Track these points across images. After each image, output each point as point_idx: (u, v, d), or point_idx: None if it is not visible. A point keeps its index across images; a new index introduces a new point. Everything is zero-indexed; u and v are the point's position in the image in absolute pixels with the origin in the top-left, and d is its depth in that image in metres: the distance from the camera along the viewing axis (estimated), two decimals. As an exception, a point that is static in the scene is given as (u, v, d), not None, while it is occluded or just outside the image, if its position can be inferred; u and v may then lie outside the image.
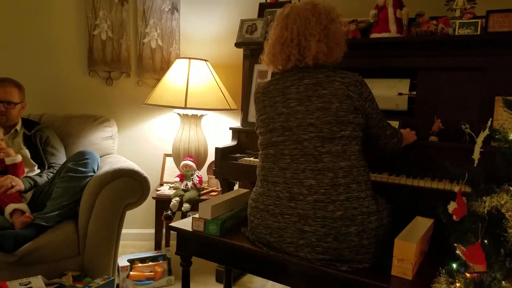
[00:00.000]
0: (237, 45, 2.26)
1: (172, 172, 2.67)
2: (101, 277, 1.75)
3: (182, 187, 2.38)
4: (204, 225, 1.55)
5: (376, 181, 1.60)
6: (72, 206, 1.89)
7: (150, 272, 2.16)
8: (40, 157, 2.08)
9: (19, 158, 1.94)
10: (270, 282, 2.15)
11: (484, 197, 1.05)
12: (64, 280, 1.68)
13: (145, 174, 1.94)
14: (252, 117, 2.16)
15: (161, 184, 2.65)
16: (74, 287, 1.67)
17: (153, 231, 2.51)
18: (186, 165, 2.42)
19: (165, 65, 2.74)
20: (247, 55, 2.25)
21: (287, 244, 1.34)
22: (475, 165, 1.15)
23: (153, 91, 2.50)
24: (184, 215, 2.28)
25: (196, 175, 2.43)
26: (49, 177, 2.00)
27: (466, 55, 1.69)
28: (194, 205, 2.28)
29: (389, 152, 1.55)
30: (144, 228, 2.84)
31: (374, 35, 1.89)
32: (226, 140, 2.31)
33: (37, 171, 2.06)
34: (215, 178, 2.18)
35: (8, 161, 1.91)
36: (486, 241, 1.01)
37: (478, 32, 1.65)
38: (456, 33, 1.69)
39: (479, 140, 1.17)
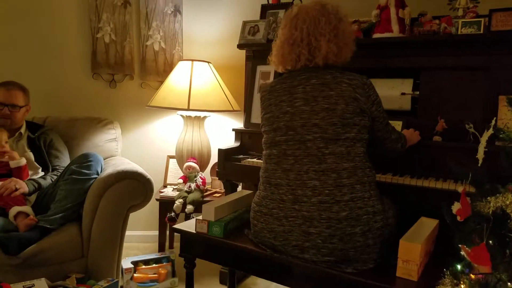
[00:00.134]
0: (240, 46, 2.26)
1: (175, 173, 2.68)
2: (105, 279, 1.75)
3: (186, 188, 2.38)
4: (208, 227, 1.54)
5: (380, 181, 1.59)
6: (76, 209, 1.89)
7: (154, 274, 2.16)
8: (44, 160, 2.09)
9: (23, 161, 1.95)
10: (274, 284, 2.14)
11: (488, 197, 1.04)
12: (68, 282, 1.68)
13: (149, 176, 1.94)
14: (255, 118, 2.16)
15: (165, 186, 2.66)
16: (78, 290, 1.68)
17: (156, 233, 2.51)
18: (189, 167, 2.42)
19: (168, 67, 2.75)
20: (249, 57, 2.25)
21: (292, 247, 1.34)
22: (479, 165, 1.14)
23: (156, 93, 2.51)
24: (187, 217, 2.28)
25: (200, 177, 2.43)
26: (53, 180, 2.01)
27: (469, 54, 1.68)
28: (198, 206, 2.28)
29: (392, 156, 1.55)
30: (147, 230, 2.84)
31: (376, 35, 1.88)
32: (229, 142, 2.31)
33: (41, 173, 2.06)
34: (218, 179, 2.18)
35: (12, 164, 1.92)
36: (491, 242, 1.00)
37: (481, 31, 1.64)
38: (459, 33, 1.68)
39: (483, 140, 1.16)
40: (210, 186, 2.58)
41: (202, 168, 2.53)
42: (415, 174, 1.64)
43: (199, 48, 2.79)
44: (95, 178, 1.94)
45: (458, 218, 1.10)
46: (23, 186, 1.88)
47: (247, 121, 2.20)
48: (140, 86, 2.78)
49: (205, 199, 2.36)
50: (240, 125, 2.58)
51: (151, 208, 2.42)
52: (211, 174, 2.61)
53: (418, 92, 1.79)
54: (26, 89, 2.12)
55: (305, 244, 1.31)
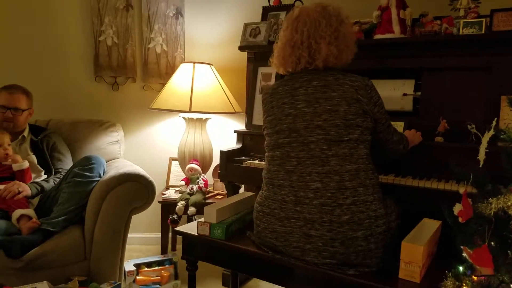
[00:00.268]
0: (241, 48, 2.26)
1: (177, 175, 2.68)
2: (108, 282, 1.76)
3: (188, 190, 2.39)
4: (210, 229, 1.54)
5: (382, 182, 1.58)
6: (79, 211, 1.90)
7: (157, 276, 2.16)
8: (47, 163, 2.10)
9: (26, 164, 1.96)
10: (276, 286, 2.13)
11: (490, 199, 1.03)
12: (70, 285, 1.68)
13: (151, 178, 1.95)
14: (257, 120, 2.16)
15: (167, 188, 2.66)
16: (81, 292, 1.68)
17: (159, 235, 2.51)
18: (191, 169, 2.42)
19: (170, 70, 2.76)
20: (251, 58, 2.26)
21: (293, 249, 1.33)
22: (480, 165, 1.13)
23: (158, 95, 2.52)
24: (190, 219, 2.28)
25: (202, 179, 2.43)
26: (55, 183, 2.01)
27: (470, 55, 1.67)
28: (200, 208, 2.28)
29: (394, 157, 1.55)
30: (150, 232, 2.85)
31: (377, 36, 1.88)
32: (231, 143, 2.31)
33: (44, 176, 2.07)
34: (221, 181, 2.18)
35: (15, 167, 1.93)
36: (493, 243, 0.99)
37: (483, 32, 1.63)
38: (460, 33, 1.68)
39: (484, 141, 1.16)
40: (212, 188, 2.58)
41: (204, 170, 2.53)
42: (417, 175, 1.64)
43: (201, 50, 2.80)
44: (98, 180, 1.94)
45: (460, 219, 1.09)
46: (26, 189, 1.88)
47: (248, 123, 2.20)
48: (142, 89, 2.79)
49: (207, 201, 2.36)
50: (242, 126, 2.58)
51: (154, 210, 2.42)
52: (213, 176, 2.62)
53: (419, 93, 1.78)
54: (29, 93, 2.13)
55: (306, 246, 1.31)
